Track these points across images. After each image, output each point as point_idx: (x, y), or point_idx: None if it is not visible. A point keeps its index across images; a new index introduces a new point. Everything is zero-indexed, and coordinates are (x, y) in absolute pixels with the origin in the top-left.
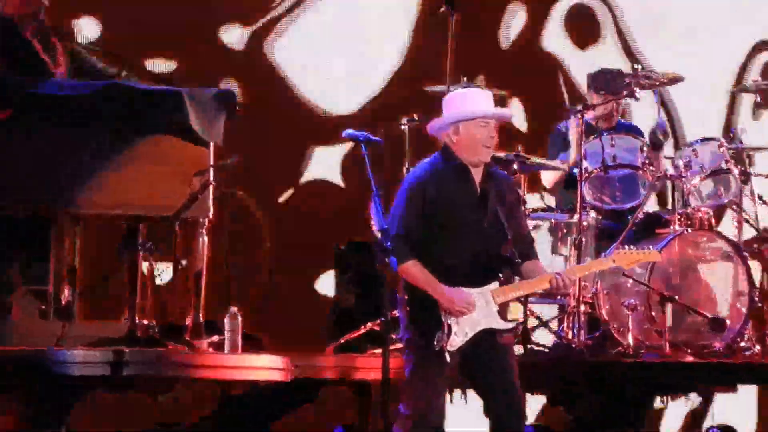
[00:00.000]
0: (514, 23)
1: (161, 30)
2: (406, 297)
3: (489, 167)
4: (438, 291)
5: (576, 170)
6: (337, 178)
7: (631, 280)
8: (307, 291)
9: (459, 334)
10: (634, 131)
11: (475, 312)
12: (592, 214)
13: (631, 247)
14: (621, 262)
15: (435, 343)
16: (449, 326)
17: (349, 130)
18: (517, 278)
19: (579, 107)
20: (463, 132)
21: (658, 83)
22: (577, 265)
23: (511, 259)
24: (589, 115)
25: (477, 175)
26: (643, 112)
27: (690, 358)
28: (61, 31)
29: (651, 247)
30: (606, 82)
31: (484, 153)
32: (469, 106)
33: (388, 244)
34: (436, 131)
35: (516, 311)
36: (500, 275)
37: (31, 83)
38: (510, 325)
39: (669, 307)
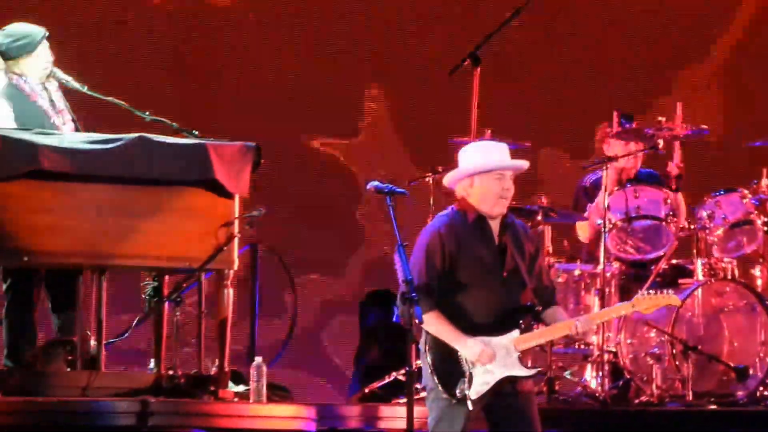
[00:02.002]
0: None
1: None
2: (428, 347)
3: (506, 218)
4: (459, 341)
5: (600, 221)
6: None
7: (654, 330)
8: (331, 339)
9: (480, 382)
10: (656, 179)
11: (497, 360)
12: (616, 264)
13: (650, 291)
14: (640, 306)
15: (457, 392)
16: (471, 375)
17: (374, 182)
18: (540, 326)
19: (605, 158)
20: (478, 184)
21: (681, 135)
22: (598, 311)
23: (531, 308)
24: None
25: (495, 226)
26: None
27: (713, 407)
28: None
29: (670, 291)
30: (628, 132)
31: (500, 205)
32: (484, 158)
33: (413, 294)
34: (452, 183)
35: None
36: (521, 323)
37: (57, 137)
38: (531, 372)
39: (692, 357)
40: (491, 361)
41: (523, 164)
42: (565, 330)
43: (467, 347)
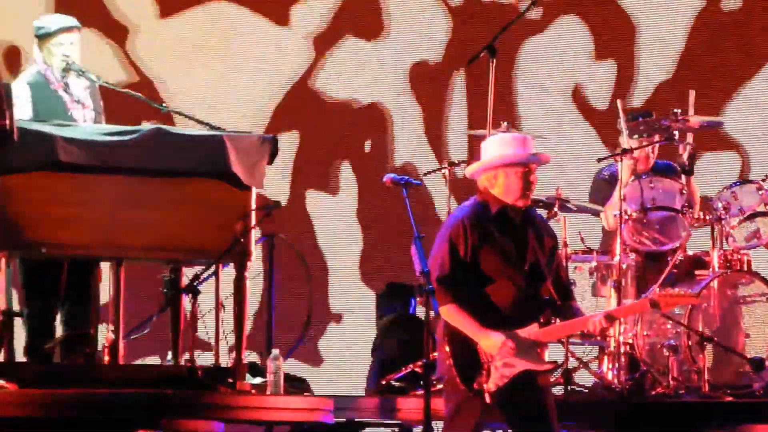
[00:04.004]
0: None
1: None
2: (447, 338)
3: (528, 211)
4: (478, 333)
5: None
6: None
7: (670, 321)
8: (348, 332)
9: (498, 375)
10: (673, 171)
11: (515, 353)
12: (632, 256)
13: (668, 289)
14: (658, 305)
15: (474, 384)
16: (489, 368)
17: (390, 174)
18: (557, 320)
19: (619, 151)
20: (502, 177)
21: (696, 127)
22: (614, 308)
23: (551, 301)
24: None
25: (516, 218)
26: None
27: (730, 399)
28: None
29: (690, 290)
30: (641, 125)
31: (524, 197)
32: (508, 151)
33: (431, 286)
34: (476, 175)
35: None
36: (540, 317)
37: (75, 129)
38: (549, 366)
39: (708, 348)
40: (512, 354)
41: (546, 157)
42: (584, 326)
43: (489, 339)
